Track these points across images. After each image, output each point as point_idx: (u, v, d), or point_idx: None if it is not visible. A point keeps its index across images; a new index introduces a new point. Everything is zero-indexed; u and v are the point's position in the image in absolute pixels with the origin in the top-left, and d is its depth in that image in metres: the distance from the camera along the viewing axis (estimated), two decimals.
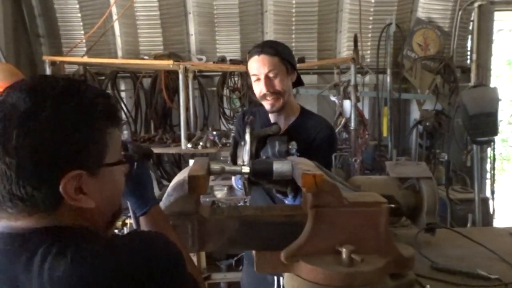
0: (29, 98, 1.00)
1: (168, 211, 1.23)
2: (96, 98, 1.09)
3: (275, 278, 2.35)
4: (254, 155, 1.70)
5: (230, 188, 5.11)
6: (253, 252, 1.32)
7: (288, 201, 1.71)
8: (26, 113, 0.98)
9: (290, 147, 1.83)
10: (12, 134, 0.96)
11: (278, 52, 2.37)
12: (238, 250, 1.29)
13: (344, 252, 1.22)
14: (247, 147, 1.62)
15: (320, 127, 2.45)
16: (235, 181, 2.37)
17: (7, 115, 0.98)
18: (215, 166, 1.34)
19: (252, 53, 2.40)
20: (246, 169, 1.39)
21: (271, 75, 2.34)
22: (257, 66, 2.35)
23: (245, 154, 1.62)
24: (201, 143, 4.89)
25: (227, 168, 1.38)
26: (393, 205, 1.50)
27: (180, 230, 1.23)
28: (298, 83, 2.58)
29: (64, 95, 1.04)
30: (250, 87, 5.81)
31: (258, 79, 2.37)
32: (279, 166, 1.37)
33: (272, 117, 2.49)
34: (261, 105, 2.49)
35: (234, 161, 1.71)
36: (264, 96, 2.37)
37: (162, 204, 1.24)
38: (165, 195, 1.24)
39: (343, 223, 1.28)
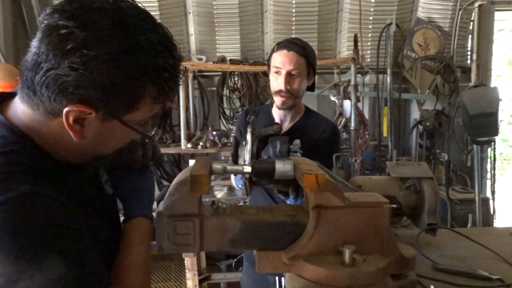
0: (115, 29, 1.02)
1: (170, 211, 1.22)
2: (164, 70, 1.09)
3: (276, 278, 2.35)
4: (255, 155, 1.70)
5: (230, 188, 5.12)
6: (254, 252, 1.31)
7: (289, 201, 1.71)
8: (99, 39, 0.99)
9: (293, 146, 1.83)
10: (76, 49, 0.98)
11: (307, 54, 2.37)
12: (240, 249, 1.28)
13: (346, 252, 1.22)
14: (248, 146, 1.62)
15: (324, 127, 2.45)
16: (235, 181, 2.37)
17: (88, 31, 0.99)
18: (217, 166, 1.33)
19: (282, 46, 2.38)
20: (248, 169, 1.38)
21: (293, 73, 2.33)
22: (283, 61, 2.34)
23: (246, 154, 1.62)
24: (201, 143, 4.90)
25: (229, 167, 1.37)
26: (394, 206, 1.50)
27: (181, 230, 1.22)
28: (310, 88, 2.59)
29: (139, 47, 1.04)
30: (250, 87, 5.84)
31: (278, 73, 2.36)
32: (281, 166, 1.36)
33: (277, 116, 2.49)
34: (266, 105, 2.49)
35: (235, 161, 1.71)
36: (279, 91, 2.36)
37: (163, 204, 1.23)
38: (166, 195, 1.23)
39: (345, 223, 1.28)
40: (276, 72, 2.38)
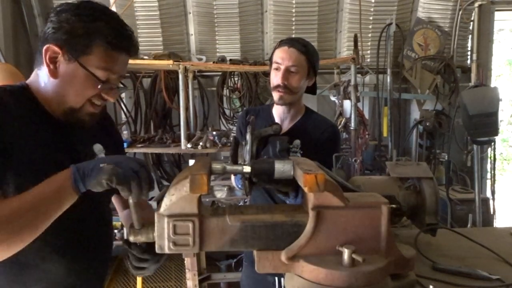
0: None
1: (170, 211, 1.22)
2: (111, 19, 1.55)
3: (276, 278, 2.35)
4: (255, 155, 1.70)
5: (230, 188, 5.12)
6: (254, 252, 1.31)
7: (289, 201, 1.71)
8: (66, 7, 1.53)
9: (293, 146, 1.83)
10: (57, 15, 1.52)
11: (308, 52, 2.38)
12: (239, 250, 1.28)
13: (345, 252, 1.22)
14: (248, 146, 1.62)
15: (324, 127, 2.45)
16: (235, 181, 2.37)
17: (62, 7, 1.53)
18: (217, 166, 1.33)
19: (283, 43, 2.41)
20: (247, 169, 1.38)
21: (292, 69, 2.34)
22: (283, 56, 2.36)
23: (246, 154, 1.62)
24: (201, 143, 4.89)
25: (228, 167, 1.37)
26: (394, 206, 1.50)
27: (181, 230, 1.22)
28: (312, 91, 2.58)
29: (97, 9, 1.54)
30: (250, 87, 5.84)
31: (278, 69, 2.37)
32: (280, 166, 1.36)
33: (277, 116, 2.49)
34: (267, 105, 2.49)
35: (235, 161, 1.71)
36: (276, 87, 2.37)
37: (163, 204, 1.23)
38: (166, 195, 1.23)
39: (345, 223, 1.28)
40: (276, 69, 2.39)
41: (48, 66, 1.51)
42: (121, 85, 1.71)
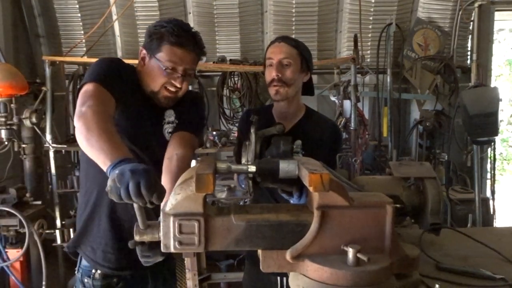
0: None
1: (175, 210, 1.22)
2: (173, 27, 2.05)
3: (278, 278, 2.35)
4: (259, 155, 1.70)
5: (230, 188, 5.12)
6: (259, 251, 1.31)
7: (293, 200, 1.71)
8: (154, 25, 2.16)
9: (295, 146, 1.83)
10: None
11: (298, 46, 2.39)
12: (244, 249, 1.29)
13: (350, 251, 1.22)
14: (252, 146, 1.62)
15: (325, 127, 2.45)
16: (238, 180, 2.37)
17: None
18: (222, 165, 1.33)
19: (274, 40, 2.43)
20: (252, 168, 1.38)
21: (284, 62, 2.34)
22: (274, 51, 2.36)
23: (249, 154, 1.62)
24: None
25: (233, 167, 1.37)
26: (398, 205, 1.50)
27: (186, 229, 1.22)
28: (309, 91, 2.58)
29: (167, 20, 2.13)
30: (250, 87, 5.84)
31: (271, 65, 2.37)
32: (285, 166, 1.36)
33: (277, 116, 2.48)
34: (267, 105, 2.48)
35: (239, 161, 1.71)
36: (271, 82, 2.36)
37: (168, 203, 1.23)
38: (171, 194, 1.23)
39: (349, 223, 1.28)
40: (270, 65, 2.39)
41: (140, 62, 2.17)
42: (191, 77, 2.21)
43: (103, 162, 1.53)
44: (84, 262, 2.23)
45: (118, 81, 2.00)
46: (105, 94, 1.90)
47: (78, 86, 2.03)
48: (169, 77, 2.08)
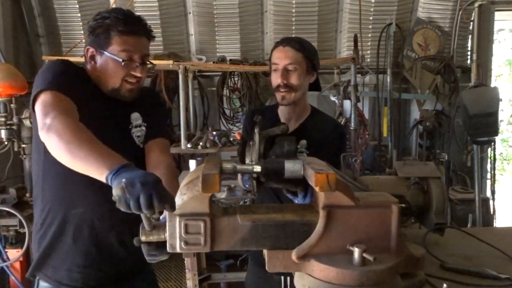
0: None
1: (181, 210, 1.22)
2: (117, 16, 1.92)
3: (282, 278, 2.35)
4: (263, 155, 1.69)
5: (230, 188, 5.11)
6: (264, 251, 1.31)
7: (297, 200, 1.70)
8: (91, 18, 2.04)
9: (300, 146, 1.83)
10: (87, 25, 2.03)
11: (303, 48, 2.38)
12: (250, 249, 1.28)
13: (356, 251, 1.22)
14: (256, 146, 1.62)
15: (330, 127, 2.45)
16: (242, 181, 2.36)
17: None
18: (227, 165, 1.33)
19: (278, 43, 2.41)
20: (257, 168, 1.38)
21: (290, 68, 2.34)
22: (279, 56, 2.36)
23: (253, 154, 1.62)
24: (201, 143, 4.89)
25: (239, 167, 1.37)
26: (403, 205, 1.50)
27: (192, 229, 1.22)
28: (316, 88, 2.58)
29: (106, 11, 2.00)
30: (250, 87, 5.84)
31: (276, 70, 2.37)
32: (290, 166, 1.36)
33: (282, 116, 2.48)
34: (273, 105, 2.48)
35: (242, 161, 1.70)
36: (277, 87, 2.37)
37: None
38: (177, 194, 1.23)
39: (355, 223, 1.28)
40: (275, 70, 2.39)
41: (89, 62, 2.00)
42: (149, 64, 2.08)
43: (97, 171, 1.47)
44: (42, 284, 2.06)
45: (74, 85, 1.87)
46: (66, 101, 1.78)
47: (31, 96, 1.83)
48: (127, 68, 1.96)
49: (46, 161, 1.90)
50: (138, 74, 1.98)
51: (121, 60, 1.92)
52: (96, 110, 1.95)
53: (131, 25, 1.94)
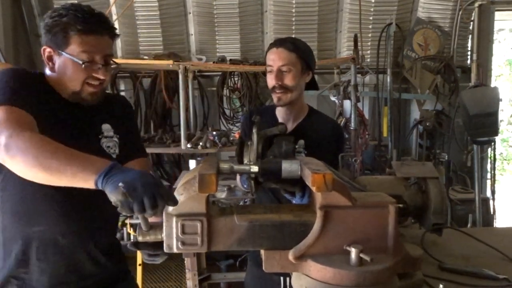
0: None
1: (178, 210, 1.22)
2: (75, 13, 1.75)
3: (281, 278, 2.34)
4: (261, 155, 1.69)
5: (230, 188, 5.11)
6: (262, 251, 1.31)
7: (295, 200, 1.71)
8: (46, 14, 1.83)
9: (298, 146, 1.83)
10: (42, 22, 1.83)
11: (297, 49, 2.37)
12: (247, 249, 1.29)
13: (353, 251, 1.22)
14: (254, 146, 1.62)
15: (328, 127, 2.45)
16: (240, 181, 2.36)
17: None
18: (224, 165, 1.33)
19: (272, 45, 2.41)
20: (255, 168, 1.38)
21: (284, 69, 2.34)
22: (273, 58, 2.36)
23: (251, 154, 1.62)
24: (200, 143, 4.88)
25: (236, 167, 1.37)
26: (401, 205, 1.49)
27: (189, 229, 1.22)
28: (312, 86, 2.58)
29: (63, 7, 1.79)
30: (250, 87, 5.84)
31: (271, 71, 2.37)
32: (287, 166, 1.36)
33: (280, 117, 2.48)
34: (270, 105, 2.48)
35: (241, 161, 1.70)
36: (273, 89, 2.37)
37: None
38: (174, 194, 1.23)
39: (352, 223, 1.28)
40: (270, 71, 2.39)
41: (47, 64, 1.83)
42: (113, 64, 1.91)
43: (81, 179, 1.37)
44: None
45: (30, 94, 1.72)
46: (20, 115, 1.62)
47: None
48: (88, 70, 1.79)
49: (3, 179, 1.78)
50: (101, 76, 1.83)
51: (81, 62, 1.76)
52: (58, 119, 1.82)
53: (92, 24, 1.77)
